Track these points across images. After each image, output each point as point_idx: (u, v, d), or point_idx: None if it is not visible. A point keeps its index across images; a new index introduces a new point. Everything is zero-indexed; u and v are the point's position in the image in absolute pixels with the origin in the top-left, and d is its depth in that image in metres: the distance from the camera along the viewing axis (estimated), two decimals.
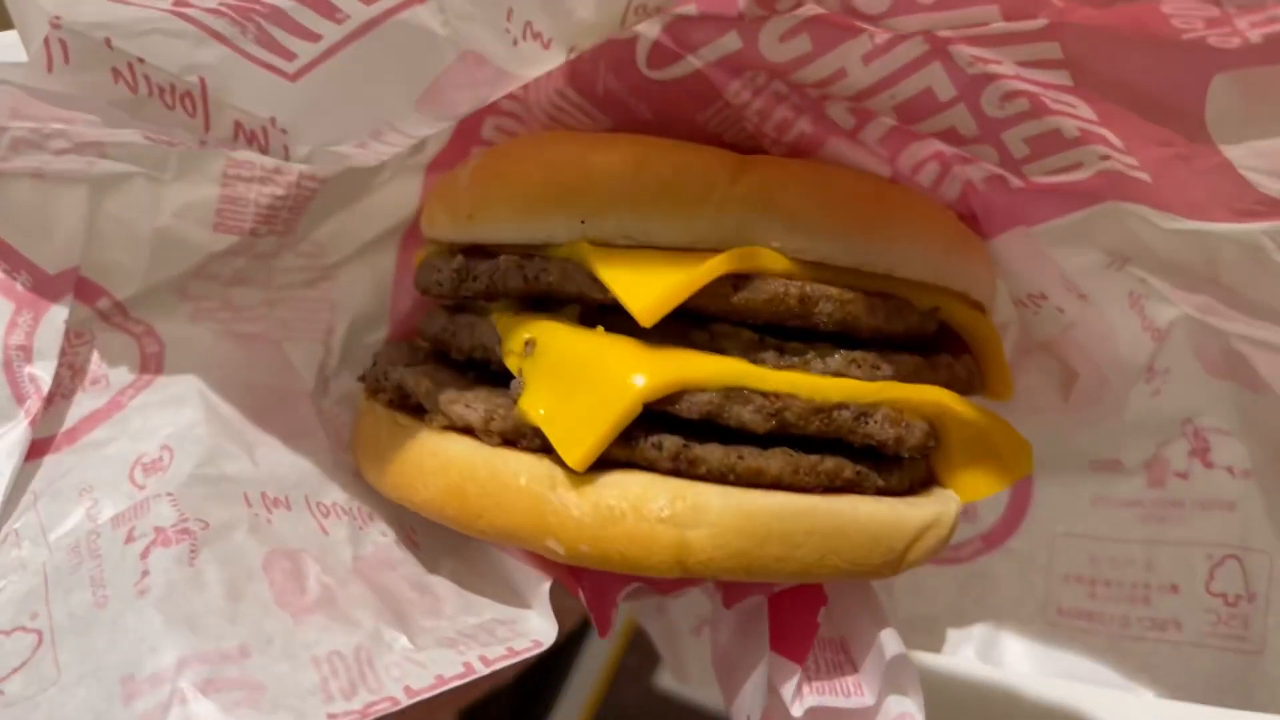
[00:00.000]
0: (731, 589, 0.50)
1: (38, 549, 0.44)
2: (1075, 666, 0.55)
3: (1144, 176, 0.47)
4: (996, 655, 0.58)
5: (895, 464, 0.46)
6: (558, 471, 0.42)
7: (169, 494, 0.44)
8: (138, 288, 0.52)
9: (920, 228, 0.47)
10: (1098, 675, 0.54)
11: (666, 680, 0.91)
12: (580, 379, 0.42)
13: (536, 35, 0.40)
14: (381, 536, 0.50)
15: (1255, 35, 0.37)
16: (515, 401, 0.44)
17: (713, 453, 0.42)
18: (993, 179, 0.52)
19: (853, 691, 0.47)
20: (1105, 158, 0.48)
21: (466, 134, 0.58)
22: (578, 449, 0.41)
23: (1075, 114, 0.46)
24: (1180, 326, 0.53)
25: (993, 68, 0.47)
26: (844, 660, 0.49)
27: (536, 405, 0.43)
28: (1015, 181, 0.52)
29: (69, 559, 0.43)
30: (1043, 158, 0.50)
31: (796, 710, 0.46)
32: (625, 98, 0.53)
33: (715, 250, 0.43)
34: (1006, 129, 0.49)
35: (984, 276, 0.50)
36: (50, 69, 0.40)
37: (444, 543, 0.53)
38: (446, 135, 0.58)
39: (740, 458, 0.42)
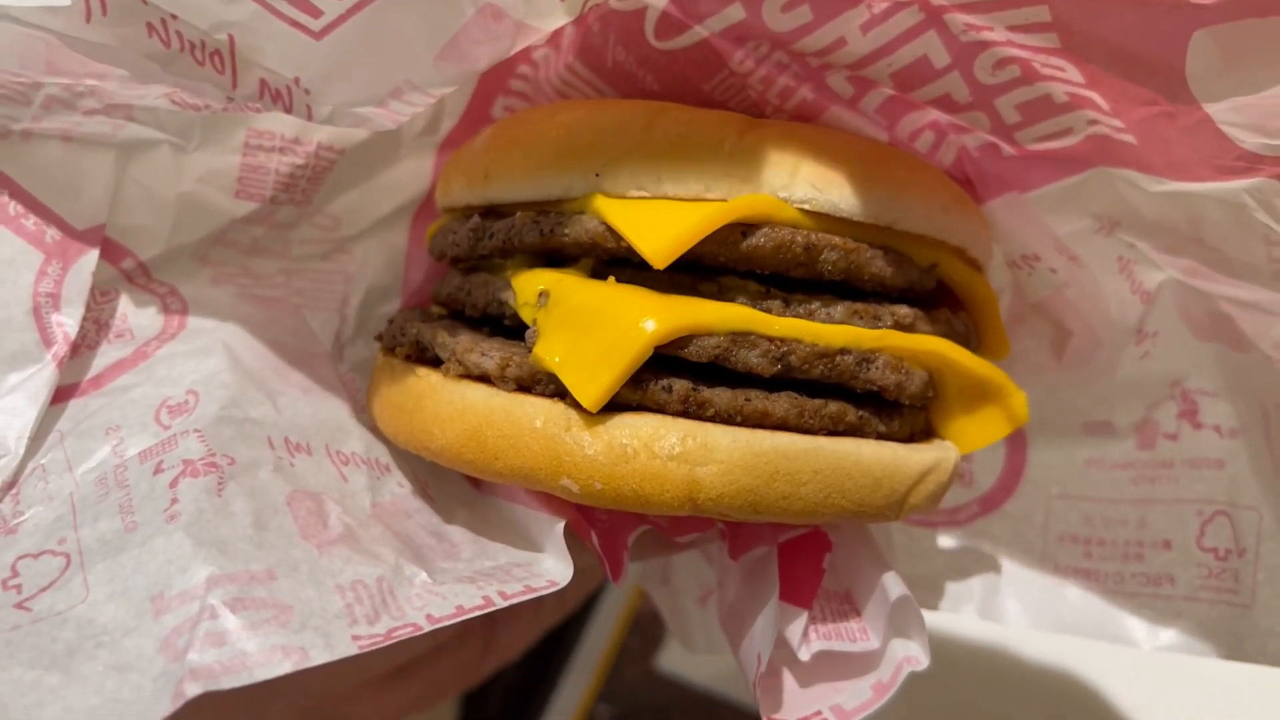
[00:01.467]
0: (737, 538, 0.52)
1: (64, 481, 0.45)
2: (1073, 621, 0.57)
3: (1130, 139, 0.49)
4: (996, 612, 0.59)
5: (896, 412, 0.48)
6: (572, 414, 0.44)
7: (196, 430, 0.46)
8: (160, 250, 0.54)
9: (920, 183, 0.49)
10: (1095, 629, 0.56)
11: (668, 661, 0.92)
12: (593, 325, 0.44)
13: None
14: (398, 487, 0.51)
15: None
16: (530, 349, 0.45)
17: (721, 395, 0.44)
18: (986, 147, 0.54)
19: (858, 636, 0.49)
20: (1093, 122, 0.50)
21: (477, 113, 0.60)
22: (591, 390, 0.43)
23: (1064, 78, 0.48)
24: (1168, 289, 0.55)
25: (985, 34, 0.49)
26: (849, 609, 0.50)
27: (551, 352, 0.44)
28: (1007, 149, 0.54)
29: (96, 489, 0.44)
30: (1034, 123, 0.52)
31: (804, 654, 0.47)
32: (633, 69, 0.55)
33: (724, 200, 0.45)
34: (999, 95, 0.51)
35: (980, 234, 0.52)
36: (89, 20, 0.42)
37: (457, 497, 0.54)
38: (458, 114, 0.60)
39: (747, 400, 0.44)
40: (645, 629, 0.93)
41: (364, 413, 0.55)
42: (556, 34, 0.56)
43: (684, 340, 0.44)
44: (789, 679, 0.47)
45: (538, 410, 0.44)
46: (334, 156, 0.57)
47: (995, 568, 0.60)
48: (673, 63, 0.54)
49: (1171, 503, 0.56)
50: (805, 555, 0.50)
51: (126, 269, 0.53)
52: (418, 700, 0.73)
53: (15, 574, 0.42)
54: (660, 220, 0.44)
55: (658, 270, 0.45)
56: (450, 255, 0.52)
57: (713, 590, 0.72)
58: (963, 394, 0.49)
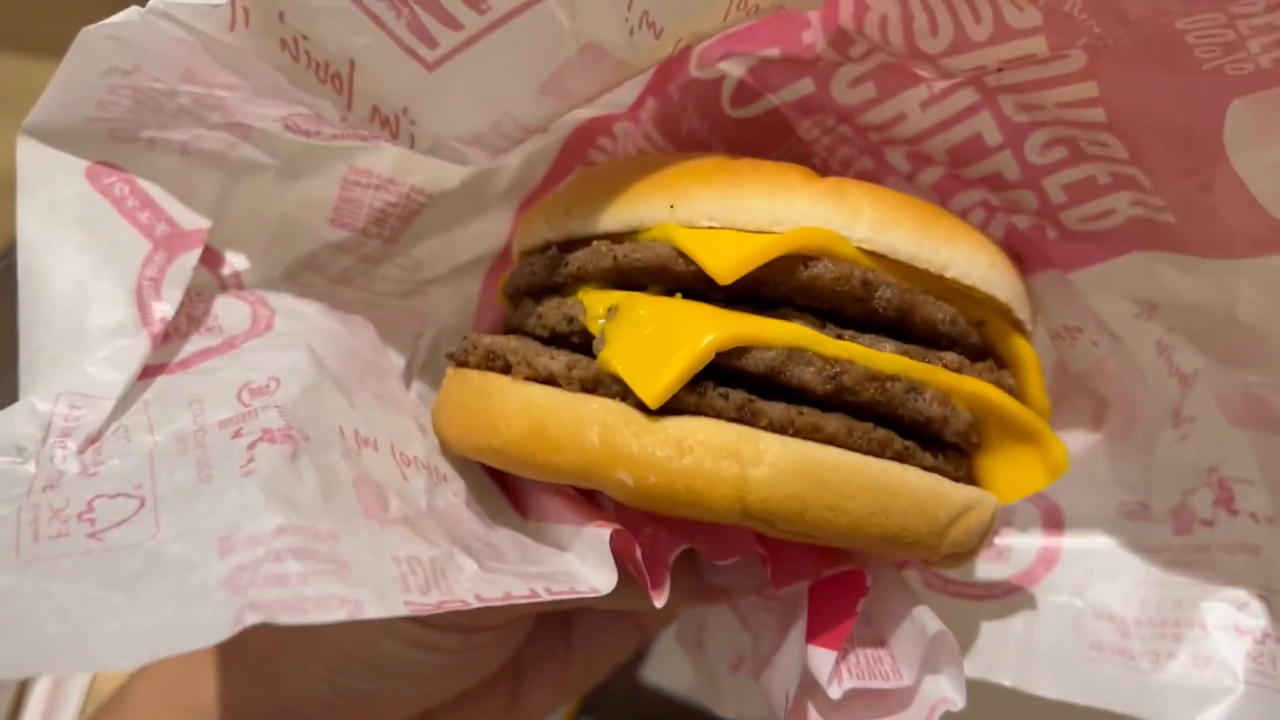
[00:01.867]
0: (780, 566, 0.53)
1: (145, 440, 0.47)
2: (1110, 697, 0.56)
3: (1169, 219, 0.52)
4: (1031, 682, 0.59)
5: (940, 449, 0.50)
6: (633, 412, 0.46)
7: (276, 406, 0.48)
8: (255, 264, 0.58)
9: (970, 239, 0.52)
10: (1132, 706, 0.55)
11: (652, 673, 0.90)
12: (658, 332, 0.47)
13: (651, 25, 0.47)
14: (453, 496, 0.53)
15: (1265, 60, 0.43)
16: (596, 354, 0.48)
17: (775, 407, 0.46)
18: (1033, 228, 0.58)
19: (890, 674, 0.49)
20: (1135, 204, 0.54)
21: (558, 178, 0.65)
22: (653, 387, 0.45)
23: (1109, 155, 0.52)
24: (1204, 375, 0.57)
25: (1035, 115, 0.53)
26: (880, 647, 0.51)
27: (616, 354, 0.47)
28: (1052, 232, 0.58)
29: (175, 446, 0.47)
30: (1078, 204, 0.55)
31: (834, 692, 0.48)
32: (706, 137, 0.60)
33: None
34: (1047, 175, 0.55)
35: (1024, 297, 0.55)
36: (233, 27, 0.47)
37: (504, 520, 0.56)
38: (539, 177, 0.65)
39: (800, 413, 0.46)
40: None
41: (427, 433, 0.58)
42: (636, 107, 0.62)
43: (742, 351, 0.46)
44: (819, 718, 0.48)
45: (601, 406, 0.47)
46: (423, 200, 0.62)
47: (1031, 641, 0.60)
48: (743, 130, 0.58)
49: (1208, 586, 0.57)
50: (839, 597, 0.50)
51: (222, 275, 0.57)
52: None
53: (91, 509, 0.44)
54: (729, 245, 0.48)
55: (721, 297, 0.49)
56: (525, 286, 0.56)
57: (746, 657, 0.71)
58: (1003, 443, 0.51)
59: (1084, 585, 0.61)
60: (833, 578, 0.52)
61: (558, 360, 0.49)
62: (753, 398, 0.46)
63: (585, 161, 0.64)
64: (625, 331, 0.48)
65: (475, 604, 0.43)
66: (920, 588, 0.65)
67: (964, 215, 0.58)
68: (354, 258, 0.62)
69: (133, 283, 0.52)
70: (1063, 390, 0.61)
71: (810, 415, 0.46)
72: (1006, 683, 0.59)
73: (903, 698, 0.48)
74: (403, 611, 0.41)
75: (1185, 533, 0.59)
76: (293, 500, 0.44)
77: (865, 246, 0.49)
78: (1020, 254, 0.58)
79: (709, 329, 0.46)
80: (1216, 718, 0.54)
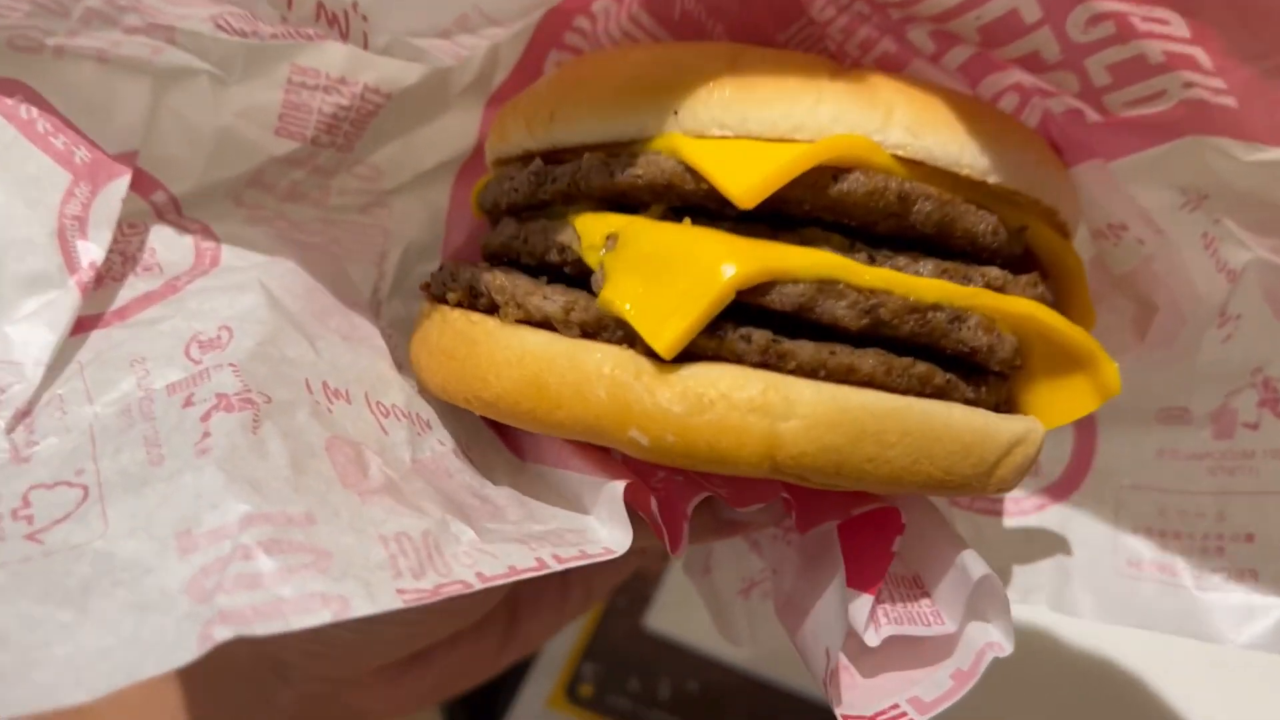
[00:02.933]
0: (806, 510, 0.49)
1: (83, 412, 0.41)
2: (1150, 616, 0.53)
3: (1229, 102, 0.46)
4: (1069, 604, 0.56)
5: (983, 378, 0.45)
6: (643, 360, 0.41)
7: (231, 364, 0.42)
8: (194, 185, 0.51)
9: (1014, 137, 0.46)
10: (1174, 624, 0.53)
11: (656, 620, 0.89)
12: (668, 267, 0.41)
13: None
14: (439, 445, 0.48)
15: None
16: (596, 293, 0.42)
17: (804, 348, 0.41)
18: (1071, 112, 0.52)
19: (931, 619, 0.45)
20: (1189, 85, 0.48)
21: (530, 67, 0.57)
22: (666, 335, 0.40)
23: (1165, 33, 0.46)
24: (1253, 270, 0.52)
25: None
26: (918, 591, 0.47)
27: (620, 295, 0.41)
28: (1093, 115, 0.51)
29: (119, 420, 0.41)
30: (1124, 86, 0.49)
31: (872, 639, 0.44)
32: (702, 18, 0.52)
33: (812, 142, 0.42)
34: (1090, 54, 0.49)
35: (1071, 197, 0.49)
36: None
37: (498, 464, 0.51)
38: (510, 67, 0.57)
39: (832, 353, 0.41)
40: (633, 587, 0.90)
41: (403, 369, 0.52)
42: None
43: (766, 287, 0.41)
44: (858, 671, 0.44)
45: (605, 356, 0.41)
46: (380, 100, 0.54)
47: (1065, 559, 0.57)
48: (747, 9, 0.51)
49: (1253, 494, 0.53)
50: (873, 537, 0.46)
51: (157, 202, 0.50)
52: (429, 694, 0.69)
53: (27, 504, 0.38)
54: (747, 159, 0.41)
55: (735, 217, 0.42)
56: (506, 204, 0.49)
57: (756, 582, 0.68)
58: (1049, 364, 0.46)
59: (1119, 497, 0.57)
60: (863, 515, 0.47)
61: (553, 301, 0.43)
62: (778, 338, 0.41)
63: (560, 46, 0.56)
64: (629, 266, 0.42)
65: (478, 584, 0.39)
66: (945, 506, 0.61)
67: (995, 100, 0.52)
68: (305, 171, 0.54)
69: (53, 223, 0.45)
70: (1101, 291, 0.56)
71: (843, 354, 0.41)
72: (1043, 606, 0.56)
73: (944, 644, 0.45)
74: (396, 604, 0.37)
75: (1227, 436, 0.55)
76: (258, 480, 0.38)
77: (900, 154, 0.43)
78: (1058, 144, 0.52)
79: (728, 262, 0.40)
80: (1263, 633, 0.51)
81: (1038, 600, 0.56)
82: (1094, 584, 0.56)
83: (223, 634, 0.33)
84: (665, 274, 0.41)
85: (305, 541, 0.37)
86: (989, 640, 0.44)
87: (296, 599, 0.35)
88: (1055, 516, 0.58)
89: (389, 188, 0.58)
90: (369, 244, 0.57)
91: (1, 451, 0.40)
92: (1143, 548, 0.55)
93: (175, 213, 0.50)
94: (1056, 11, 0.48)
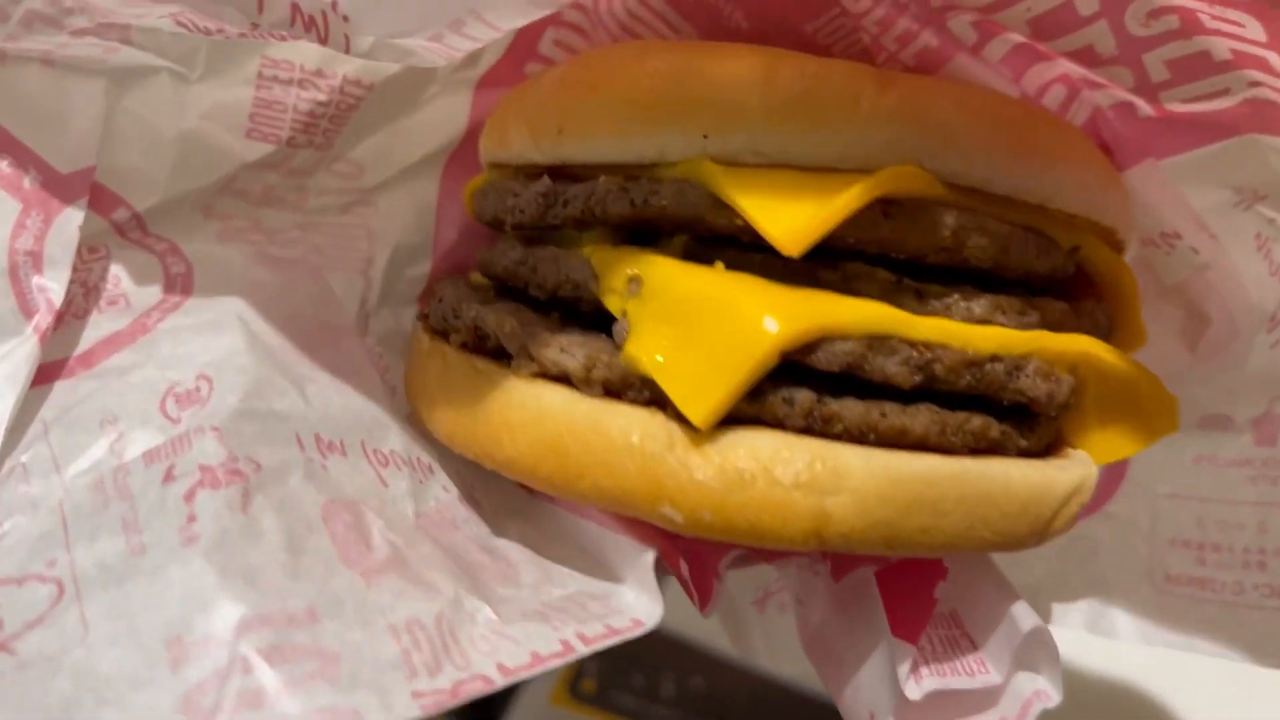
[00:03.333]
0: (842, 560, 0.46)
1: (51, 485, 0.37)
2: (1189, 637, 0.51)
3: None
4: (1106, 626, 0.54)
5: (1035, 422, 0.41)
6: (675, 428, 0.37)
7: (214, 428, 0.38)
8: (159, 199, 0.45)
9: (1074, 156, 0.42)
10: (1214, 646, 0.51)
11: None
12: (702, 323, 0.37)
13: None
14: (444, 492, 0.44)
15: None
16: (619, 347, 0.38)
17: (851, 409, 0.37)
18: (1120, 106, 0.47)
19: (975, 669, 0.43)
20: (1255, 84, 0.43)
21: (523, 47, 0.51)
22: (703, 405, 0.36)
23: (1237, 34, 0.41)
24: None
25: None
26: (959, 635, 0.44)
27: (648, 352, 0.37)
28: (1145, 109, 0.47)
29: (92, 498, 0.37)
30: (1184, 83, 0.45)
31: (913, 693, 0.41)
32: (719, 3, 0.47)
33: (859, 171, 0.37)
34: (1149, 49, 0.44)
35: (1128, 213, 0.45)
36: None
37: (507, 504, 0.47)
38: (501, 47, 0.51)
39: (883, 415, 0.37)
40: None
41: (396, 397, 0.48)
42: None
43: (812, 344, 0.37)
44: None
45: (632, 422, 0.37)
46: (361, 93, 0.48)
47: (1101, 577, 0.55)
48: None
49: None
50: (913, 583, 0.43)
51: (119, 221, 0.44)
52: None
53: None
54: (789, 197, 0.37)
55: (769, 255, 0.38)
56: (511, 223, 0.44)
57: (772, 593, 0.65)
58: (1105, 398, 0.43)
59: (1155, 508, 0.54)
60: (903, 562, 0.44)
61: (572, 356, 0.38)
62: (823, 398, 0.37)
63: (558, 23, 0.51)
64: (657, 317, 0.37)
65: (501, 681, 0.35)
66: None
67: (1041, 93, 0.47)
68: (280, 174, 0.49)
69: (3, 261, 0.40)
70: (1149, 300, 0.52)
71: (894, 415, 0.37)
72: (1079, 628, 0.53)
73: (990, 694, 0.42)
74: (413, 712, 0.33)
75: (1269, 444, 0.52)
76: (253, 572, 0.35)
77: (955, 181, 0.38)
78: (1109, 145, 0.47)
79: (772, 319, 0.36)
80: None
81: (1074, 623, 0.54)
82: (1130, 604, 0.53)
83: None
84: (699, 329, 0.37)
85: (310, 644, 0.33)
86: (1036, 689, 0.42)
87: (305, 717, 0.31)
88: (1089, 530, 0.56)
89: (372, 184, 0.52)
90: (352, 249, 0.52)
91: None
92: (1181, 561, 0.53)
93: (140, 230, 0.45)
94: (1114, 4, 0.43)
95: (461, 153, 0.54)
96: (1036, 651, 0.42)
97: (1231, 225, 0.49)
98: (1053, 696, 0.42)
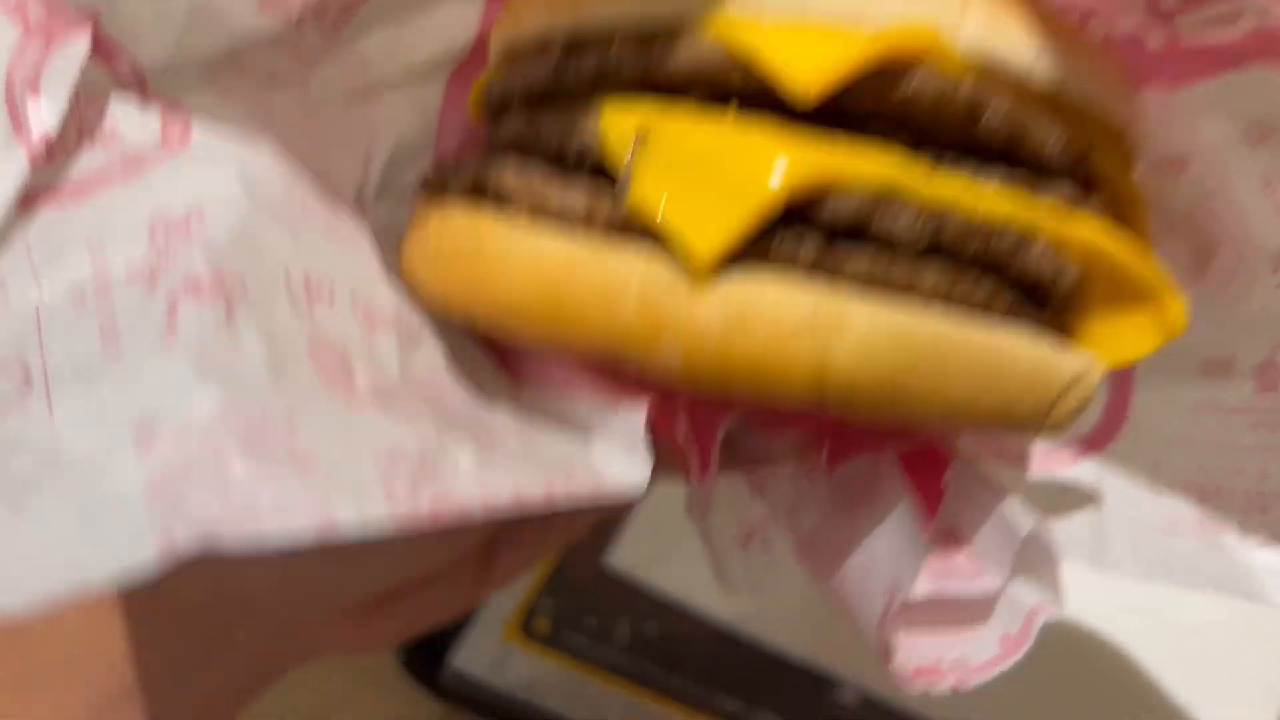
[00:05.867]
0: (839, 444, 0.44)
1: (28, 294, 0.36)
2: (1194, 574, 0.50)
3: None
4: (1110, 560, 0.53)
5: (1043, 305, 0.41)
6: (677, 270, 0.36)
7: (202, 252, 0.37)
8: (164, 58, 0.45)
9: (1089, 46, 0.41)
10: (1219, 583, 0.50)
11: (619, 559, 0.86)
12: (710, 167, 0.36)
13: None
14: (430, 361, 0.43)
15: None
16: (623, 192, 0.37)
17: (859, 257, 0.36)
18: (1133, 35, 0.48)
19: (969, 573, 0.41)
20: (1264, 12, 0.44)
21: None
22: (705, 244, 0.35)
23: None
24: None
25: None
26: (953, 541, 0.43)
27: (652, 195, 0.36)
28: (1156, 39, 0.47)
29: (70, 305, 0.35)
30: (1196, 8, 0.45)
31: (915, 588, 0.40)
32: None
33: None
34: None
35: (1138, 120, 0.45)
36: None
37: (494, 386, 0.46)
38: None
39: (892, 265, 0.36)
40: (597, 524, 0.86)
41: (391, 272, 0.47)
42: None
43: (818, 195, 0.36)
44: (900, 619, 0.40)
45: (633, 265, 0.36)
46: None
47: (1102, 514, 0.54)
48: None
49: None
50: (924, 471, 0.42)
51: (120, 73, 0.44)
52: (397, 634, 0.65)
53: None
54: (807, 48, 0.36)
55: (784, 114, 0.38)
56: (519, 95, 0.43)
57: (757, 529, 0.64)
58: (1110, 296, 0.42)
59: (1156, 453, 0.53)
60: (921, 448, 0.43)
61: (573, 195, 0.38)
62: (830, 244, 0.36)
63: None
64: (662, 166, 0.37)
65: (480, 512, 0.34)
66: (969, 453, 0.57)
67: None
68: (287, 57, 0.48)
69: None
70: (1155, 227, 0.52)
71: (904, 267, 0.36)
72: (1083, 563, 0.52)
73: (988, 604, 0.41)
74: (387, 523, 0.32)
75: (1270, 389, 0.52)
76: (232, 372, 0.33)
77: (972, 54, 0.38)
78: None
79: (780, 163, 0.35)
80: None
81: (1076, 557, 0.53)
82: (1134, 539, 0.52)
83: (187, 541, 0.28)
84: (705, 174, 0.36)
85: (286, 443, 0.32)
86: (1037, 601, 0.40)
87: (275, 507, 0.30)
88: (1091, 471, 0.55)
89: (376, 80, 0.52)
90: (353, 142, 0.51)
91: None
92: (1183, 505, 0.52)
93: (141, 87, 0.44)
94: None
95: (469, 64, 0.54)
96: (1037, 556, 0.41)
97: (1239, 160, 0.49)
98: (1054, 608, 0.41)
